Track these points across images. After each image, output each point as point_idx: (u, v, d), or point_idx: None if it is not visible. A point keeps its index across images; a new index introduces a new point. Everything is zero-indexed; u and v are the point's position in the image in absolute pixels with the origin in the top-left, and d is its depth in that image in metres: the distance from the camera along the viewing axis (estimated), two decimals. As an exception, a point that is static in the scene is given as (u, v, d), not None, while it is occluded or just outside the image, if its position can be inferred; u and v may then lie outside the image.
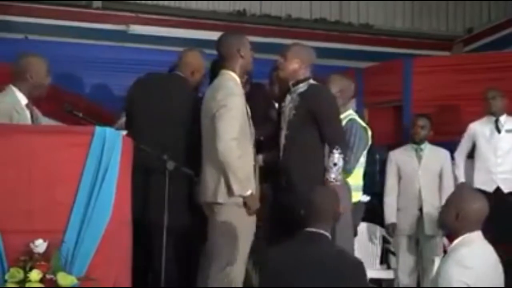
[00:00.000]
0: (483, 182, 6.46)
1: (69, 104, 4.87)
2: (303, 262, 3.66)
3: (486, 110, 6.59)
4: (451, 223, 3.72)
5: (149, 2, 9.26)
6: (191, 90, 5.19)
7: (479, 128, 6.59)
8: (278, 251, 3.84)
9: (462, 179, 6.58)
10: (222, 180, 4.63)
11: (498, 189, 6.43)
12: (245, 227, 4.70)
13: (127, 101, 5.30)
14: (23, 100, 4.73)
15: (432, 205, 6.42)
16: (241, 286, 4.74)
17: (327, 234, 3.78)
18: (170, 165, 4.58)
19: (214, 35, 5.21)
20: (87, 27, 8.81)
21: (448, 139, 6.97)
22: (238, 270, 4.70)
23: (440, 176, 6.51)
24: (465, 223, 3.68)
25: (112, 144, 4.06)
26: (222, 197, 4.65)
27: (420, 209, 6.45)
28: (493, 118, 6.54)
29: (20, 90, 4.74)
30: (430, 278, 3.76)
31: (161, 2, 9.34)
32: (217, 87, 4.77)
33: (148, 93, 5.14)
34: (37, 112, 4.86)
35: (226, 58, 4.86)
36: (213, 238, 4.73)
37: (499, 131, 6.51)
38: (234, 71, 4.83)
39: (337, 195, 4.02)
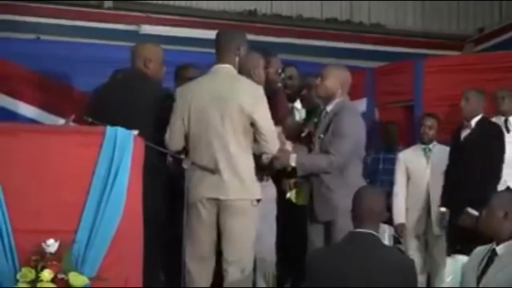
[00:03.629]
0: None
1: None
2: (354, 262, 3.69)
3: (496, 109, 6.56)
4: (497, 224, 3.78)
5: (160, 2, 9.29)
6: (147, 80, 4.98)
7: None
8: (328, 253, 3.88)
9: None
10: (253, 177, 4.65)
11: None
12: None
13: (88, 108, 5.00)
14: None
15: (441, 205, 6.42)
16: None
17: (376, 234, 3.81)
18: (186, 163, 4.53)
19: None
20: (99, 27, 8.85)
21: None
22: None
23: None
24: None
25: (123, 144, 4.08)
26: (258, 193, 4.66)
27: (429, 209, 6.45)
28: (503, 118, 6.52)
29: None
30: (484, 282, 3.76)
31: (172, 2, 9.36)
32: (249, 85, 4.70)
33: (109, 98, 4.95)
34: None
35: (229, 54, 4.73)
36: (244, 236, 4.60)
37: (508, 130, 6.48)
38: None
39: (384, 196, 4.06)
